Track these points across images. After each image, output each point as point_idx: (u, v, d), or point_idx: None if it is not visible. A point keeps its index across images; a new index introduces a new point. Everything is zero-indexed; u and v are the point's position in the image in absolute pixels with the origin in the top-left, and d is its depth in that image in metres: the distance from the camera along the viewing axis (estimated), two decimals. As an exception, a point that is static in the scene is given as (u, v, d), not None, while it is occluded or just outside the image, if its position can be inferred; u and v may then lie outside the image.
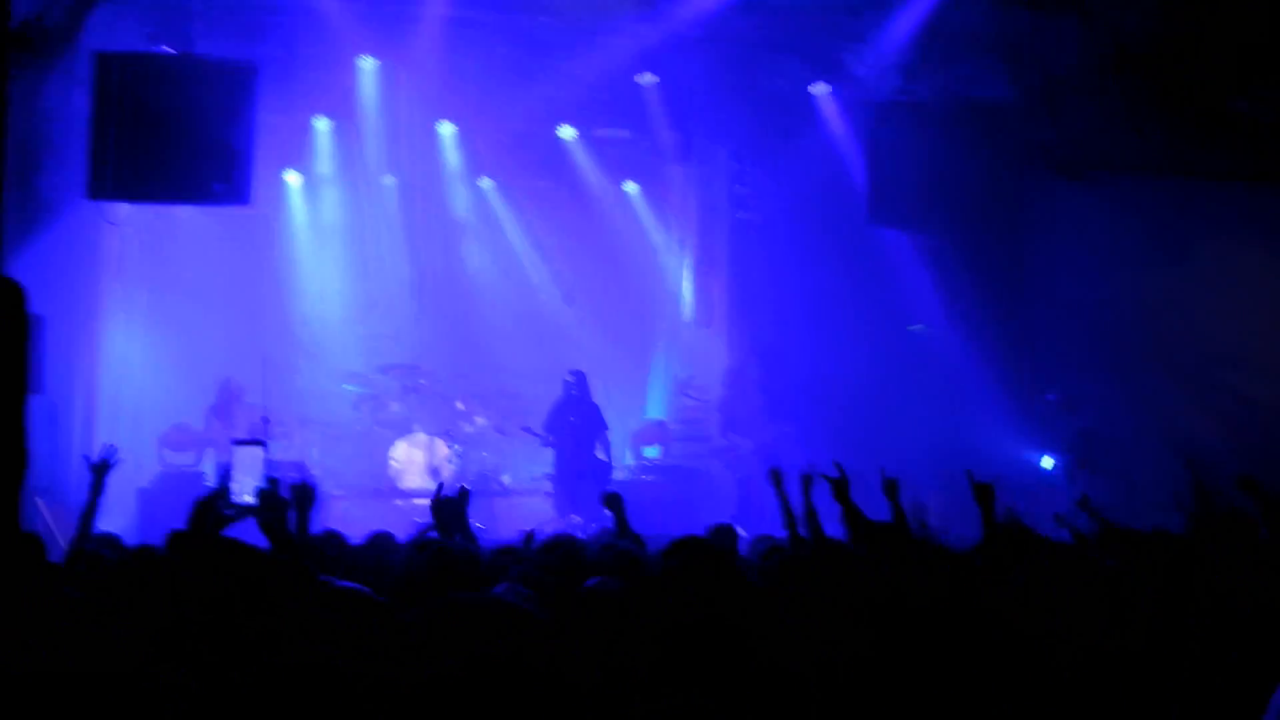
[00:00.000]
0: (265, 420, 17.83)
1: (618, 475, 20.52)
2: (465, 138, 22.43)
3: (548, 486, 20.19)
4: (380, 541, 9.85)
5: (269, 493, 5.78)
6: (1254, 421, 15.67)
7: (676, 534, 8.65)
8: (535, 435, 20.21)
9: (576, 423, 19.81)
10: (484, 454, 21.37)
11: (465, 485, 9.45)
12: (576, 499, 18.98)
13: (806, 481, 10.02)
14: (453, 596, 2.55)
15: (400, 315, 23.32)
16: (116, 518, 16.96)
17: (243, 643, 4.19)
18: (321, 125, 21.64)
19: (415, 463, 20.53)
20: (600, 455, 19.87)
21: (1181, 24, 15.19)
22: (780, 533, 10.23)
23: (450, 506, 8.66)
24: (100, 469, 9.89)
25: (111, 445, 10.27)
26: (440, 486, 8.82)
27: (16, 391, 2.50)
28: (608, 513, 10.22)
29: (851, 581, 7.19)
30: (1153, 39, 15.52)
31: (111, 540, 9.63)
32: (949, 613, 5.02)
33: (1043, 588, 6.83)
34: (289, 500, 5.85)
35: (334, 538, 9.62)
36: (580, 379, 20.18)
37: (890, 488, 9.46)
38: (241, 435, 17.93)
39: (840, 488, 9.13)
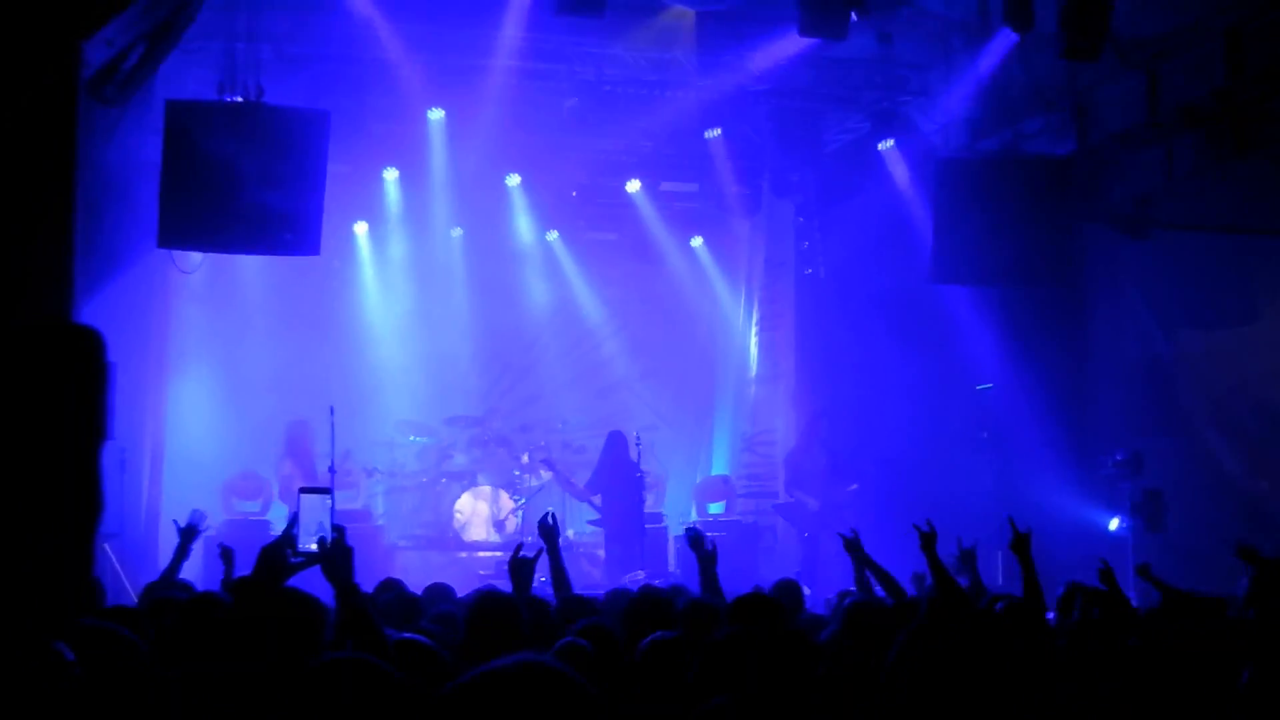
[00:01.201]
0: (331, 470, 17.91)
1: (679, 531, 20.53)
2: (532, 190, 22.49)
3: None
4: (437, 592, 9.93)
5: (336, 541, 5.80)
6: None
7: (739, 589, 8.69)
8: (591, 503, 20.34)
9: (620, 482, 19.78)
10: (549, 508, 21.38)
11: (540, 548, 9.53)
12: (630, 555, 19.01)
13: (850, 545, 10.07)
14: (495, 665, 2.55)
15: (466, 367, 23.38)
16: (185, 564, 17.10)
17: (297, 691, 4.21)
18: (390, 176, 21.75)
19: (479, 515, 20.57)
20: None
21: (1249, 82, 15.15)
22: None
23: (527, 567, 8.73)
24: (188, 534, 10.09)
25: (200, 512, 10.45)
26: (520, 546, 8.91)
27: (94, 438, 2.54)
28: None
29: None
30: (1219, 97, 15.48)
31: (184, 586, 9.75)
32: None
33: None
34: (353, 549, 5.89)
35: (394, 586, 9.69)
36: (614, 439, 20.15)
37: (968, 557, 9.49)
38: (313, 478, 18.04)
39: (928, 541, 9.12)
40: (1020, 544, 9.04)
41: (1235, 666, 5.17)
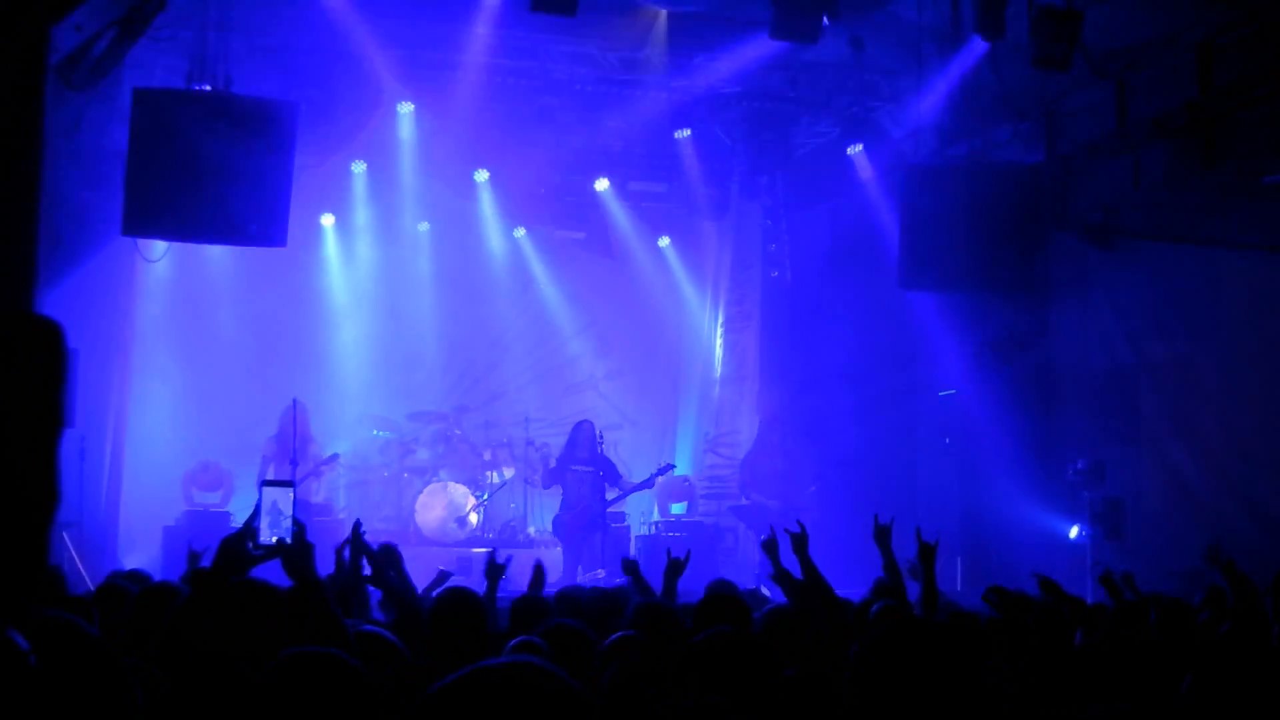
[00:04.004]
0: (293, 462, 17.85)
1: (641, 530, 20.49)
2: (501, 186, 22.42)
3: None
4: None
5: (296, 536, 5.79)
6: (1278, 495, 15.58)
7: (698, 589, 8.73)
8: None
9: (583, 475, 19.65)
10: (511, 505, 21.39)
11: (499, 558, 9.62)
12: (585, 551, 18.94)
13: (768, 546, 9.97)
14: (481, 666, 2.53)
15: (430, 362, 23.33)
16: (142, 554, 17.05)
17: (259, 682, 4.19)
18: (358, 169, 21.69)
19: (441, 510, 20.50)
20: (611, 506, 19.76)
21: (1218, 94, 15.21)
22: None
23: (496, 571, 9.09)
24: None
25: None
26: (494, 551, 9.21)
27: (52, 427, 2.51)
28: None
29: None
30: (1188, 109, 15.54)
31: (139, 576, 9.66)
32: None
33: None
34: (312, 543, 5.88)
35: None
36: (581, 429, 20.03)
37: (882, 535, 9.42)
38: (291, 462, 17.96)
39: (800, 543, 9.06)
40: (881, 535, 9.16)
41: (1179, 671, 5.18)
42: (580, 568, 18.73)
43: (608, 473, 19.72)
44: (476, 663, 2.72)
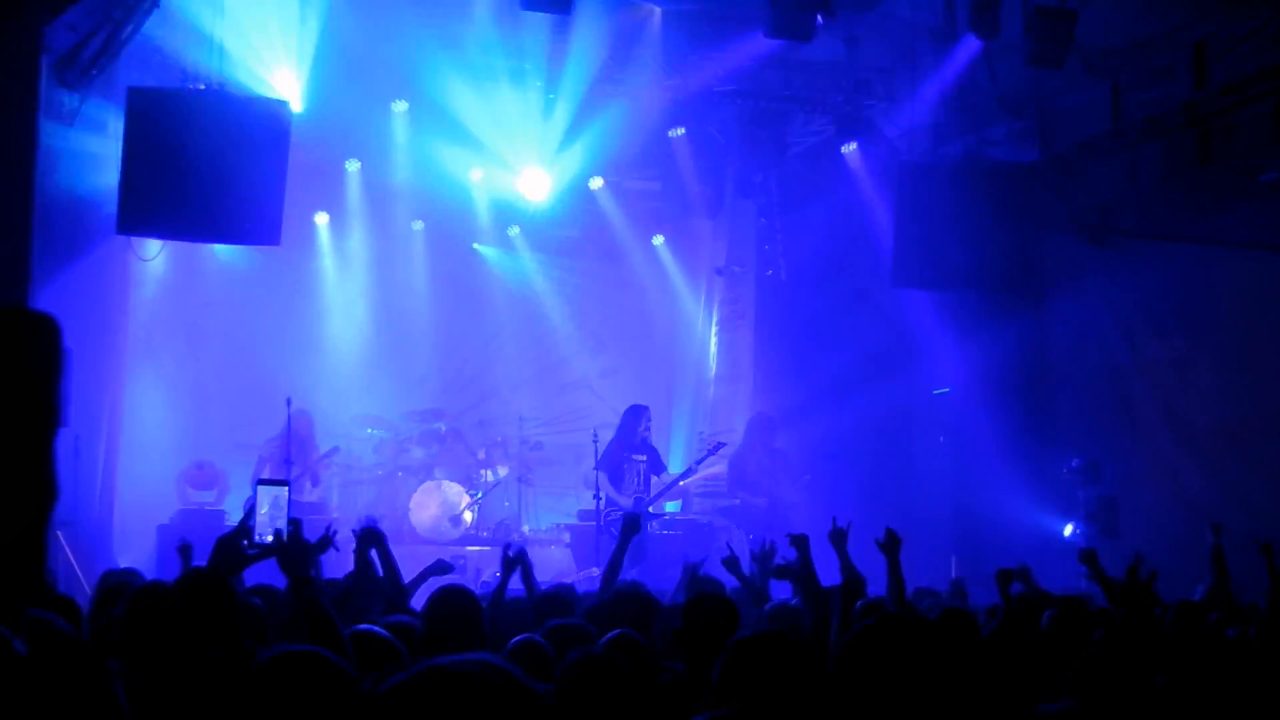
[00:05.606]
0: (288, 462, 17.82)
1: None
2: (494, 185, 22.32)
3: (566, 536, 20.11)
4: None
5: (292, 533, 5.78)
6: (1271, 494, 15.58)
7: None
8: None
9: (636, 463, 19.19)
10: (505, 503, 21.33)
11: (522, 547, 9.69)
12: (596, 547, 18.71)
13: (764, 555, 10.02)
14: (433, 664, 2.52)
15: (425, 361, 23.29)
16: (136, 553, 17.00)
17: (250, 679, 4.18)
18: (352, 167, 21.65)
19: (436, 509, 20.45)
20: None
21: (1212, 94, 15.21)
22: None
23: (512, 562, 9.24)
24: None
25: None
26: (508, 545, 9.28)
27: (49, 425, 2.50)
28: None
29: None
30: (1183, 108, 15.54)
31: (134, 575, 9.62)
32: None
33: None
34: (310, 542, 5.87)
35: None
36: (637, 414, 19.42)
37: (838, 537, 9.38)
38: (288, 466, 17.94)
39: (839, 537, 9.05)
40: (891, 546, 9.12)
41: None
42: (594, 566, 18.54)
43: (653, 461, 19.40)
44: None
